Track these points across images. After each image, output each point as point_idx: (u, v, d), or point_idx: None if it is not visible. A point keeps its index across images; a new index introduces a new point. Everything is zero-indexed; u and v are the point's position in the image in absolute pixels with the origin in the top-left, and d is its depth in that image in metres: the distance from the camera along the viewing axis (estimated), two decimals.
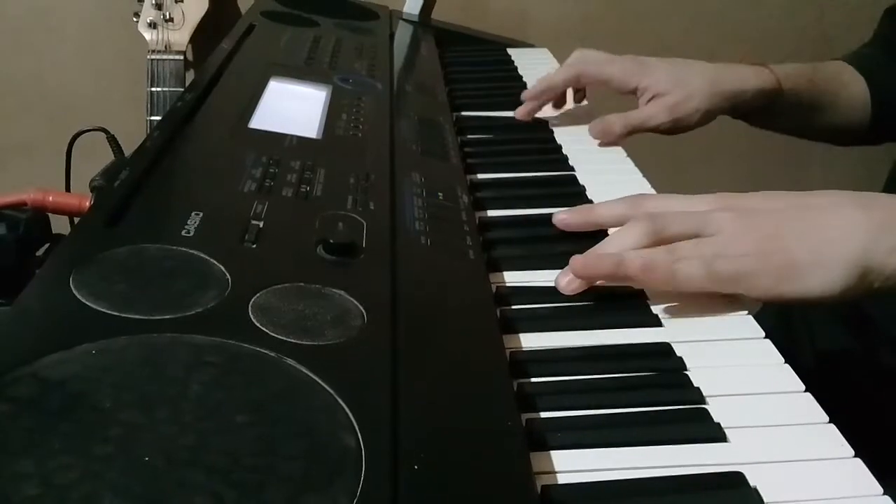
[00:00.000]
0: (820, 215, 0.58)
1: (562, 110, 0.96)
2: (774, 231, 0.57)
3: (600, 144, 0.88)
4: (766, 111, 0.93)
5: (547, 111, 0.95)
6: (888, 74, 0.97)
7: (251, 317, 0.46)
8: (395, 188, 0.67)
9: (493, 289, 0.59)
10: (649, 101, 0.89)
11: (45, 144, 1.53)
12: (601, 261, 0.58)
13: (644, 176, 0.80)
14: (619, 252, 0.58)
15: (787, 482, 0.44)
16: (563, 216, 0.66)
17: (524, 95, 0.94)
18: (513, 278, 0.62)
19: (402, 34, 1.19)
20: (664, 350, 0.54)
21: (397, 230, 0.60)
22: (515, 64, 1.15)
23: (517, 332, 0.55)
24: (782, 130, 1.01)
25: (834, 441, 0.47)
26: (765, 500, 0.42)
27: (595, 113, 0.96)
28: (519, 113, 0.93)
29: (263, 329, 0.45)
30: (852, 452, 0.46)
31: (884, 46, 1.00)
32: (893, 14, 1.00)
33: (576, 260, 0.58)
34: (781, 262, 0.56)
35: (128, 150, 0.80)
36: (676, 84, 0.89)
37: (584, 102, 0.97)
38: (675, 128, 0.90)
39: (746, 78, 0.90)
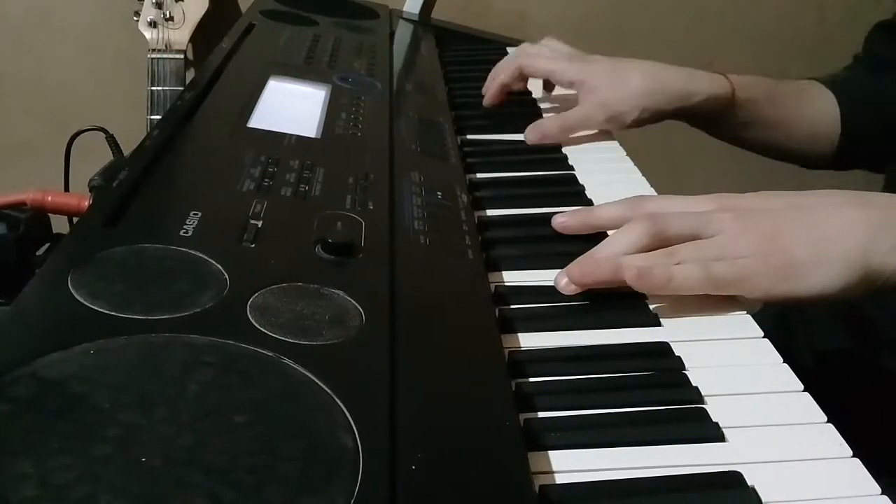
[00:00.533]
0: (819, 215, 0.58)
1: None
2: (774, 231, 0.57)
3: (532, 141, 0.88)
4: (720, 120, 0.91)
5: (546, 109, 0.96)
6: (867, 94, 0.94)
7: (249, 317, 0.46)
8: (395, 188, 0.67)
9: (492, 288, 0.59)
10: (585, 96, 0.88)
11: (45, 144, 1.53)
12: (598, 266, 0.58)
13: (643, 175, 0.80)
14: (616, 255, 0.58)
15: (786, 482, 0.44)
16: (562, 220, 0.66)
17: (489, 102, 0.96)
18: (512, 278, 0.62)
19: (402, 33, 1.19)
20: (663, 350, 0.54)
21: (396, 230, 0.61)
22: None
23: (516, 331, 0.55)
24: (741, 144, 0.97)
25: (832, 441, 0.47)
26: (763, 499, 0.42)
27: None
28: (487, 100, 0.95)
29: (262, 329, 0.45)
30: (850, 452, 0.46)
31: (870, 61, 0.97)
32: (885, 28, 0.98)
33: (572, 267, 0.58)
34: (781, 262, 0.56)
35: (127, 150, 0.79)
36: (614, 81, 0.87)
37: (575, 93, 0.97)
38: (612, 125, 0.88)
39: (695, 80, 0.88)
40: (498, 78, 0.94)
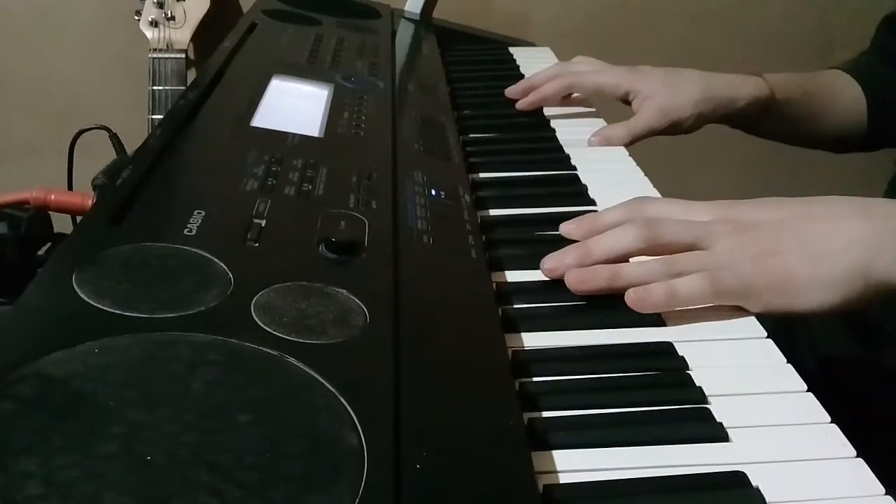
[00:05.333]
0: (821, 227, 0.57)
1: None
2: (774, 246, 0.57)
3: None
4: (760, 120, 0.94)
5: (549, 110, 0.96)
6: (885, 82, 0.98)
7: (253, 315, 0.46)
8: (398, 187, 0.67)
9: (495, 288, 0.59)
10: (642, 103, 0.90)
11: (48, 143, 1.53)
12: (596, 274, 0.58)
13: (645, 176, 0.80)
14: (607, 255, 0.59)
15: (789, 482, 0.44)
16: (569, 227, 0.66)
17: (512, 94, 0.97)
18: (515, 277, 0.62)
19: (404, 33, 1.19)
20: (666, 350, 0.54)
21: (399, 229, 0.60)
22: (517, 63, 1.15)
23: (519, 331, 0.55)
24: (778, 139, 1.02)
25: (836, 441, 0.47)
26: (767, 499, 0.42)
27: (597, 112, 0.96)
28: (522, 105, 0.96)
29: (266, 328, 0.45)
30: (854, 452, 0.46)
31: (880, 54, 1.00)
32: (891, 22, 1.01)
33: (570, 274, 0.58)
34: (781, 277, 0.56)
35: (130, 149, 0.80)
36: (670, 89, 0.90)
37: (577, 94, 0.98)
38: (672, 131, 0.91)
39: (739, 86, 0.92)
40: (542, 93, 0.95)
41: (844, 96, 0.99)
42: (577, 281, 0.58)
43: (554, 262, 0.60)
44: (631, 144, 0.89)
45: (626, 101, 0.93)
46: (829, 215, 0.59)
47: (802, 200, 0.60)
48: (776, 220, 0.59)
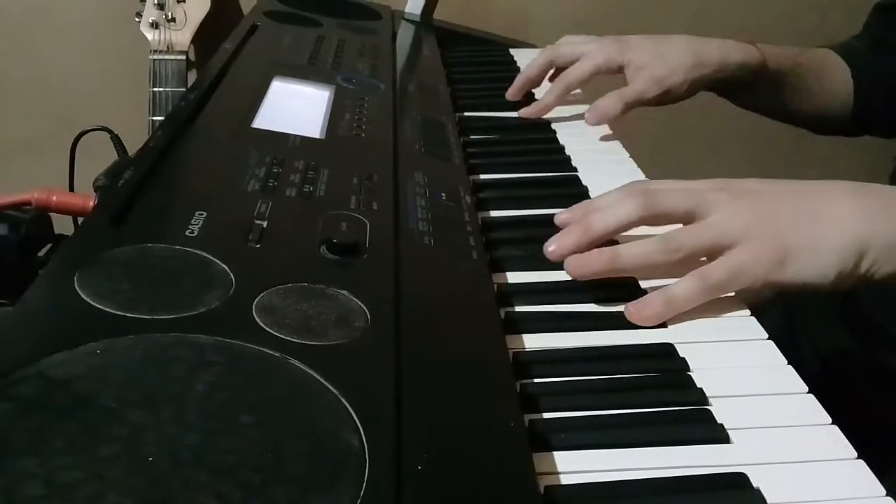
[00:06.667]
0: (815, 200, 0.58)
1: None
2: (769, 214, 0.57)
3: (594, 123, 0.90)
4: (749, 87, 0.94)
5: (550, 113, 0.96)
6: (873, 68, 0.99)
7: (255, 317, 0.46)
8: (399, 188, 0.67)
9: (496, 289, 0.59)
10: (635, 74, 0.90)
11: (49, 144, 1.53)
12: (595, 258, 0.58)
13: (646, 177, 0.80)
14: (608, 230, 0.59)
15: (790, 483, 0.44)
16: (564, 216, 0.66)
17: (511, 96, 0.98)
18: (516, 278, 0.62)
19: (405, 34, 1.19)
20: (667, 351, 0.54)
21: (401, 230, 0.61)
22: (518, 64, 1.15)
23: (520, 332, 0.55)
24: (764, 111, 1.03)
25: (837, 442, 0.47)
26: (767, 501, 0.42)
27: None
28: (525, 113, 0.95)
29: (267, 329, 0.45)
30: (855, 454, 0.46)
31: (871, 42, 1.01)
32: (882, 10, 1.02)
33: (568, 261, 0.59)
34: (774, 246, 0.56)
35: (131, 150, 0.80)
36: (660, 57, 0.90)
37: (579, 91, 0.98)
38: (664, 100, 0.91)
39: (730, 51, 0.92)
40: (545, 104, 0.95)
41: (833, 75, 0.99)
42: (576, 266, 0.58)
43: (557, 243, 0.60)
44: (625, 113, 0.89)
45: (619, 72, 0.93)
46: (825, 191, 0.59)
47: (800, 181, 0.61)
48: (773, 192, 0.59)
